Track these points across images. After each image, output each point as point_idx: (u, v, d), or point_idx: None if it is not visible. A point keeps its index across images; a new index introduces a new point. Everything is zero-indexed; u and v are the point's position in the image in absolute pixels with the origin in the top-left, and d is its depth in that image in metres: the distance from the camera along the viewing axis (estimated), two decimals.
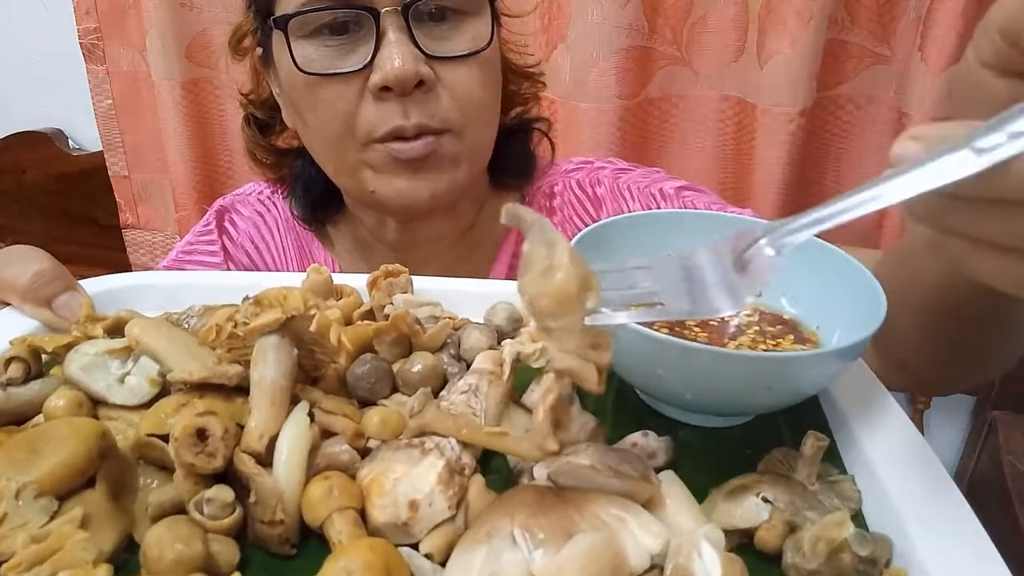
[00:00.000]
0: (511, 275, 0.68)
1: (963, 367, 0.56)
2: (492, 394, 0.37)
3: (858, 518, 0.34)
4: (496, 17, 0.59)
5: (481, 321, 0.44)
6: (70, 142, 1.54)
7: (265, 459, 0.32)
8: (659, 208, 0.67)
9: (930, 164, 0.22)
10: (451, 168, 0.59)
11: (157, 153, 1.43)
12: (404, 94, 0.54)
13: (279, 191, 0.75)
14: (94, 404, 0.36)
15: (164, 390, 0.36)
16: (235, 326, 0.34)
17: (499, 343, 0.43)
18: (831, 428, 0.39)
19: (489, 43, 0.58)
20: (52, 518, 0.29)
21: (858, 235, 1.23)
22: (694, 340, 0.40)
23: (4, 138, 1.52)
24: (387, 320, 0.41)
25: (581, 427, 0.34)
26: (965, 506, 0.32)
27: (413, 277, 0.48)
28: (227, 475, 0.32)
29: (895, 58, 1.12)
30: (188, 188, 1.40)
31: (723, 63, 1.17)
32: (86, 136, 1.52)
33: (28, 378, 0.38)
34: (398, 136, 0.56)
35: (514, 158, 0.68)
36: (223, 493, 0.30)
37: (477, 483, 0.33)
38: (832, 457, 0.37)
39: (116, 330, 0.41)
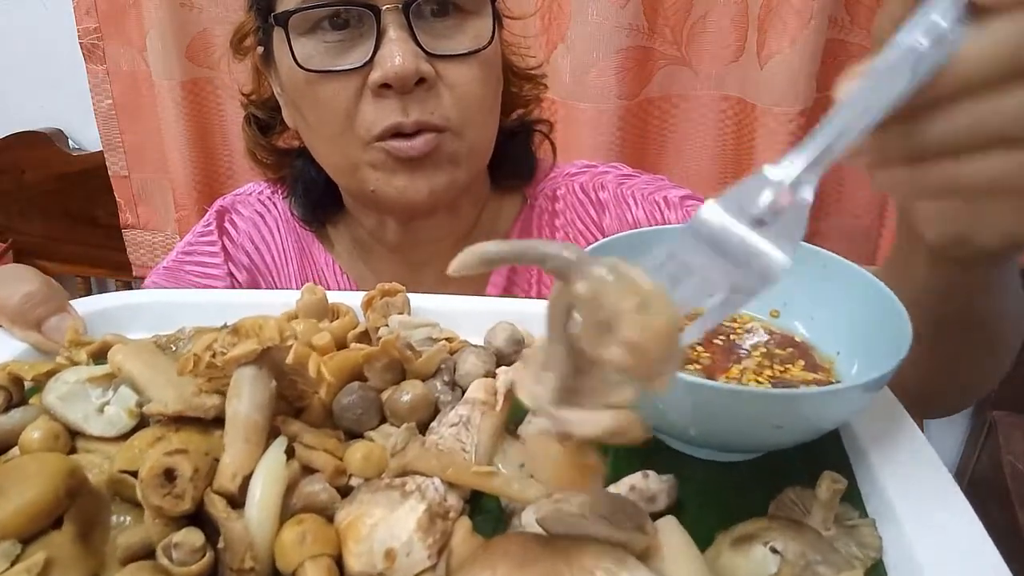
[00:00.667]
0: (512, 278, 0.69)
1: (954, 378, 0.54)
2: (484, 427, 0.35)
3: (878, 568, 0.31)
4: (497, 17, 0.58)
5: (481, 343, 0.42)
6: (70, 142, 1.54)
7: (239, 499, 0.30)
8: (663, 216, 0.67)
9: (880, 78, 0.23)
10: (450, 167, 0.59)
11: (157, 153, 1.43)
12: (404, 92, 0.54)
13: (279, 191, 0.74)
14: (72, 435, 0.35)
15: (143, 421, 0.35)
16: (213, 355, 0.33)
17: (498, 367, 0.40)
18: (852, 465, 0.36)
19: (490, 42, 0.57)
20: (14, 563, 0.27)
21: (861, 232, 1.23)
22: (697, 361, 0.38)
23: (4, 138, 1.52)
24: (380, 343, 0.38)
25: None
26: (999, 560, 0.29)
27: (411, 295, 0.46)
28: (199, 515, 0.30)
29: None
30: (188, 188, 1.40)
31: (723, 63, 1.17)
32: (86, 136, 1.52)
33: (9, 406, 0.37)
34: (397, 133, 0.56)
35: (515, 159, 0.67)
36: (192, 537, 0.29)
37: (462, 528, 0.30)
38: (852, 498, 0.34)
39: (101, 354, 0.40)
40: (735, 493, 0.34)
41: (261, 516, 0.30)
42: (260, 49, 0.63)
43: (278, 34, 0.57)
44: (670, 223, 0.64)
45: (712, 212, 0.26)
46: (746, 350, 0.39)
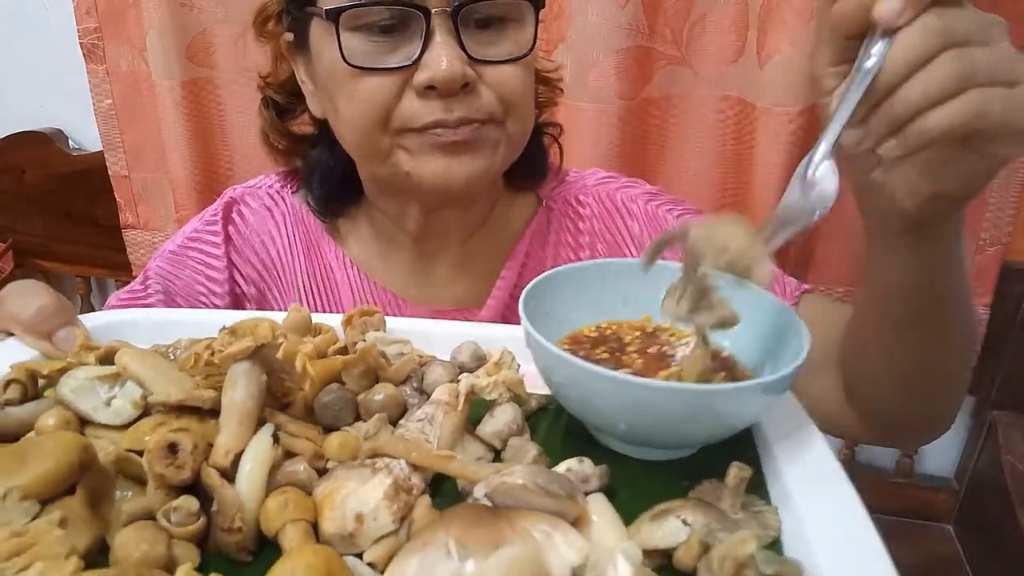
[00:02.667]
0: (523, 273, 0.71)
1: (923, 399, 0.60)
2: (446, 423, 0.40)
3: (776, 545, 0.37)
4: (538, 21, 0.61)
5: (447, 359, 0.47)
6: (70, 142, 1.55)
7: (230, 474, 0.35)
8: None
9: (845, 98, 0.38)
10: (490, 152, 0.61)
11: (157, 153, 1.44)
12: (448, 94, 0.57)
13: (288, 185, 0.76)
14: (82, 423, 0.40)
15: (146, 412, 0.40)
16: (212, 354, 0.38)
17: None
18: (760, 461, 0.42)
19: (531, 49, 0.60)
20: (34, 519, 0.33)
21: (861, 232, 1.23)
22: (630, 367, 0.44)
23: (4, 138, 1.53)
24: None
25: (525, 454, 0.38)
26: (878, 543, 0.35)
27: (387, 318, 0.51)
28: (195, 488, 0.35)
29: None
30: (188, 188, 1.41)
31: (723, 63, 1.17)
32: (86, 136, 1.53)
33: (25, 399, 0.42)
34: (439, 126, 0.58)
35: (529, 160, 0.69)
36: (189, 503, 0.34)
37: (423, 502, 0.36)
38: (759, 488, 0.40)
39: (107, 359, 0.45)
40: (660, 485, 0.40)
41: (249, 486, 0.35)
42: (289, 35, 0.65)
43: (320, 25, 0.59)
44: None
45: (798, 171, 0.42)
46: (676, 360, 0.46)
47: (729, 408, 0.39)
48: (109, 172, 1.49)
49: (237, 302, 0.75)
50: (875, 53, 0.37)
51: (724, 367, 0.46)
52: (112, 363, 0.42)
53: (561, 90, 0.74)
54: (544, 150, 0.74)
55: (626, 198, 0.73)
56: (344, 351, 0.47)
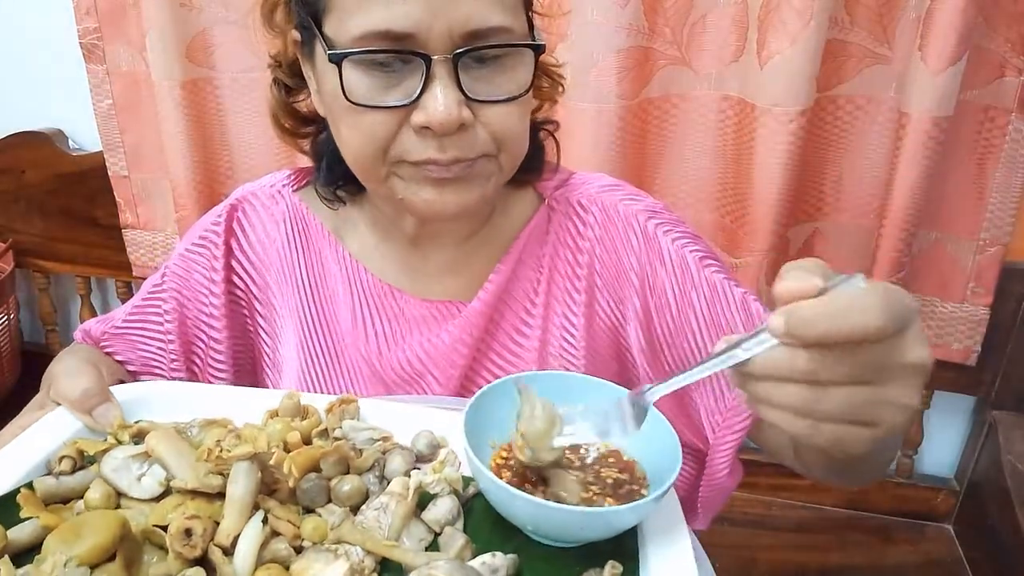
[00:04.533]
0: (518, 270, 0.76)
1: (842, 475, 0.68)
2: (397, 512, 0.54)
3: None
4: (538, 63, 0.65)
5: (408, 442, 0.62)
6: (70, 142, 1.59)
7: (229, 551, 0.50)
8: (689, 275, 0.75)
9: (728, 353, 0.44)
10: (482, 183, 0.65)
11: (157, 153, 1.47)
12: (445, 135, 0.61)
13: (291, 183, 0.81)
14: (119, 496, 0.55)
15: (168, 489, 0.55)
16: (220, 451, 0.53)
17: (420, 463, 0.61)
18: (637, 554, 0.55)
19: (528, 89, 0.64)
20: None
21: (860, 232, 1.23)
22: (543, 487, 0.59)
23: (4, 138, 1.57)
24: (334, 442, 0.60)
25: (454, 543, 0.53)
26: None
27: (361, 402, 0.66)
28: (204, 560, 0.50)
29: (895, 58, 1.15)
30: (188, 188, 1.44)
31: (723, 63, 1.20)
32: (86, 136, 1.56)
33: (74, 470, 0.57)
34: (431, 163, 0.62)
35: (528, 156, 0.71)
36: (199, 573, 0.49)
37: None
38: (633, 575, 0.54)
39: (139, 436, 0.60)
40: (557, 569, 0.53)
41: (243, 562, 0.50)
42: (296, 34, 0.68)
43: (326, 55, 0.62)
44: (693, 280, 0.74)
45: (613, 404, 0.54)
46: (591, 463, 0.61)
47: (613, 521, 0.53)
48: (109, 172, 1.53)
49: (234, 301, 0.81)
50: (759, 340, 0.42)
51: (626, 469, 0.59)
52: (142, 440, 0.58)
53: (563, 86, 0.77)
54: (542, 146, 0.77)
55: (629, 212, 0.75)
56: (324, 433, 0.63)
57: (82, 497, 0.54)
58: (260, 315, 0.80)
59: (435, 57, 0.59)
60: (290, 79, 0.73)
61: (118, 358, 0.81)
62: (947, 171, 1.22)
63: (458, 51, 0.59)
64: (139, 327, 0.81)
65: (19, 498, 0.51)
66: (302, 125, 0.76)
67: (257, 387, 0.81)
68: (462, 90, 0.60)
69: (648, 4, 1.18)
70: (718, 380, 0.72)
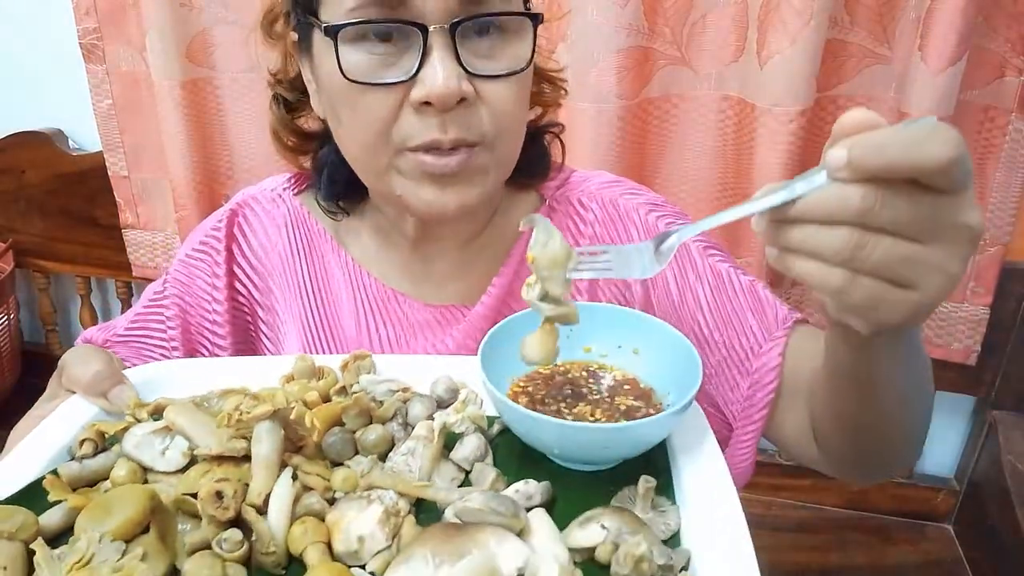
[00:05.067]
0: (520, 271, 0.75)
1: (873, 451, 0.64)
2: (425, 455, 0.54)
3: (676, 537, 0.50)
4: (535, 34, 0.64)
5: (427, 391, 0.61)
6: (70, 142, 1.59)
7: (262, 509, 0.50)
8: (690, 261, 0.75)
9: (769, 196, 0.41)
10: (480, 180, 0.65)
11: (157, 153, 1.47)
12: (445, 110, 0.60)
13: (292, 187, 0.81)
14: (144, 471, 0.55)
15: (193, 459, 0.55)
16: (240, 415, 0.52)
17: (439, 409, 0.60)
18: (670, 469, 0.55)
19: (528, 63, 0.63)
20: (123, 555, 0.46)
21: None
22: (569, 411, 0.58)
23: (4, 138, 1.57)
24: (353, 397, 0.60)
25: (485, 478, 0.52)
26: (745, 531, 0.48)
27: (376, 357, 0.65)
28: (238, 521, 0.49)
29: (895, 58, 1.15)
30: (188, 188, 1.44)
31: (723, 63, 1.20)
32: (86, 136, 1.56)
33: (96, 453, 0.56)
34: (433, 148, 0.61)
35: (531, 159, 0.73)
36: (234, 534, 0.48)
37: (409, 522, 0.50)
38: (667, 491, 0.53)
39: (157, 412, 0.59)
40: (589, 493, 0.53)
41: (278, 519, 0.49)
42: (294, 35, 0.68)
43: (320, 35, 0.62)
44: (697, 270, 0.75)
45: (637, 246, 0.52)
46: (603, 389, 0.61)
47: (637, 437, 0.53)
48: (109, 172, 1.53)
49: (236, 308, 0.81)
50: (808, 181, 0.40)
51: (642, 396, 0.59)
52: (161, 416, 0.57)
53: (566, 91, 0.77)
54: (546, 150, 0.77)
55: (629, 206, 0.75)
56: (343, 391, 0.62)
57: (107, 478, 0.54)
58: (262, 320, 0.80)
59: (432, 27, 0.57)
60: (290, 93, 0.72)
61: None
62: None
63: (455, 20, 0.58)
64: (141, 335, 0.81)
65: (45, 483, 0.51)
66: (303, 142, 0.76)
67: None
68: (461, 65, 0.59)
69: (648, 4, 1.19)
70: (729, 369, 0.70)
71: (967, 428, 1.45)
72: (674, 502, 0.52)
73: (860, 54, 1.19)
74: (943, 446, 1.48)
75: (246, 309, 0.80)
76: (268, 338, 0.80)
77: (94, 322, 1.74)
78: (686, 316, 0.72)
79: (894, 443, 0.63)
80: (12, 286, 1.67)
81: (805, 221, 0.40)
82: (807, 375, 0.66)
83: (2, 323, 1.64)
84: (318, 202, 0.76)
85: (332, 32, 0.59)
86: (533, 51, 0.63)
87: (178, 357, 0.79)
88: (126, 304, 1.72)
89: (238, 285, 0.79)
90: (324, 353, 0.76)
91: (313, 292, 0.77)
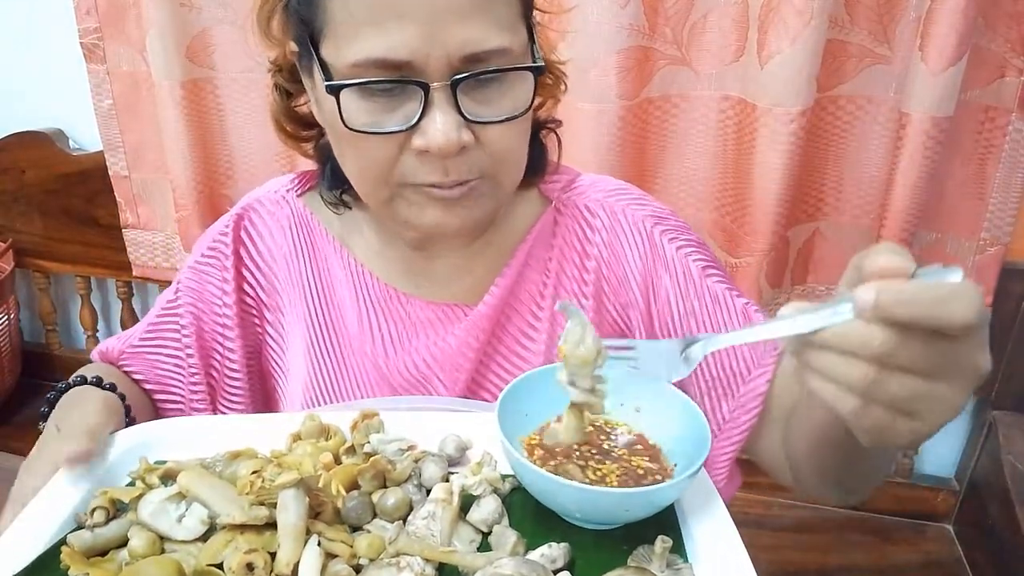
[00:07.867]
0: (524, 273, 0.76)
1: (836, 486, 0.67)
2: (445, 517, 0.55)
3: None
4: (538, 81, 0.64)
5: (435, 448, 0.63)
6: (70, 142, 1.59)
7: None
8: (692, 284, 0.75)
9: (796, 318, 0.43)
10: (484, 203, 0.66)
11: (157, 153, 1.47)
12: (445, 158, 0.61)
13: (295, 188, 0.81)
14: (161, 540, 0.54)
15: (211, 527, 0.55)
16: (263, 482, 0.52)
17: (451, 467, 0.61)
18: (680, 529, 0.57)
19: (528, 108, 0.63)
20: None
21: (860, 232, 1.23)
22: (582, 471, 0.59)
23: (4, 138, 1.57)
24: (366, 457, 0.60)
25: (507, 541, 0.53)
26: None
27: (383, 415, 0.65)
28: None
29: (895, 58, 1.15)
30: (188, 188, 1.45)
31: (723, 63, 1.20)
32: (86, 136, 1.56)
33: (109, 520, 0.56)
34: (435, 186, 0.63)
35: (531, 157, 0.71)
36: None
37: None
38: (679, 549, 0.55)
39: (168, 477, 0.59)
40: (605, 551, 0.54)
41: None
42: (294, 46, 0.67)
43: (323, 78, 0.62)
44: (696, 290, 0.75)
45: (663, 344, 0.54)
46: (617, 446, 0.62)
47: (656, 500, 0.55)
48: (109, 172, 1.53)
49: (245, 310, 0.81)
50: (834, 311, 0.42)
51: (651, 455, 0.61)
52: (172, 481, 0.57)
53: (566, 85, 0.76)
54: (544, 147, 0.77)
55: (635, 218, 0.75)
56: (352, 450, 0.62)
57: (120, 547, 0.53)
58: (269, 322, 0.80)
59: (434, 84, 0.58)
60: (290, 84, 0.72)
61: (136, 376, 0.80)
62: (947, 171, 1.22)
63: (456, 77, 0.58)
64: (156, 344, 0.81)
65: (64, 556, 0.50)
66: (304, 129, 0.76)
67: (268, 394, 0.82)
68: (461, 113, 0.59)
69: (648, 4, 1.19)
70: (716, 390, 0.72)
71: (967, 428, 1.45)
72: (687, 560, 0.54)
73: (860, 54, 1.19)
74: (943, 446, 1.48)
75: (254, 311, 0.81)
76: (273, 338, 0.80)
77: (94, 322, 1.73)
78: (681, 333, 0.73)
79: (874, 481, 0.68)
80: (12, 286, 1.67)
81: (828, 348, 0.42)
82: (787, 404, 0.68)
83: (2, 323, 1.64)
84: (321, 196, 0.77)
85: (334, 90, 0.59)
86: (534, 97, 0.63)
87: (193, 364, 0.80)
88: (126, 304, 1.73)
89: (246, 287, 0.80)
90: (327, 353, 0.77)
91: (317, 292, 0.78)
